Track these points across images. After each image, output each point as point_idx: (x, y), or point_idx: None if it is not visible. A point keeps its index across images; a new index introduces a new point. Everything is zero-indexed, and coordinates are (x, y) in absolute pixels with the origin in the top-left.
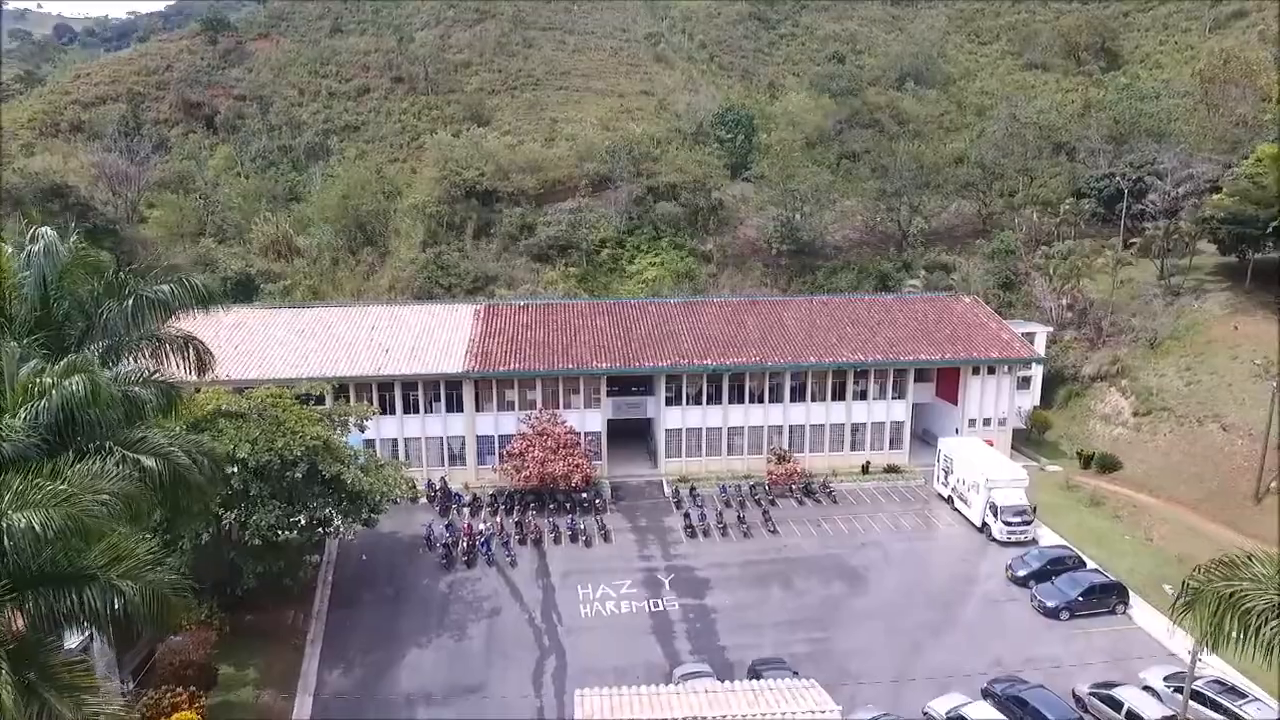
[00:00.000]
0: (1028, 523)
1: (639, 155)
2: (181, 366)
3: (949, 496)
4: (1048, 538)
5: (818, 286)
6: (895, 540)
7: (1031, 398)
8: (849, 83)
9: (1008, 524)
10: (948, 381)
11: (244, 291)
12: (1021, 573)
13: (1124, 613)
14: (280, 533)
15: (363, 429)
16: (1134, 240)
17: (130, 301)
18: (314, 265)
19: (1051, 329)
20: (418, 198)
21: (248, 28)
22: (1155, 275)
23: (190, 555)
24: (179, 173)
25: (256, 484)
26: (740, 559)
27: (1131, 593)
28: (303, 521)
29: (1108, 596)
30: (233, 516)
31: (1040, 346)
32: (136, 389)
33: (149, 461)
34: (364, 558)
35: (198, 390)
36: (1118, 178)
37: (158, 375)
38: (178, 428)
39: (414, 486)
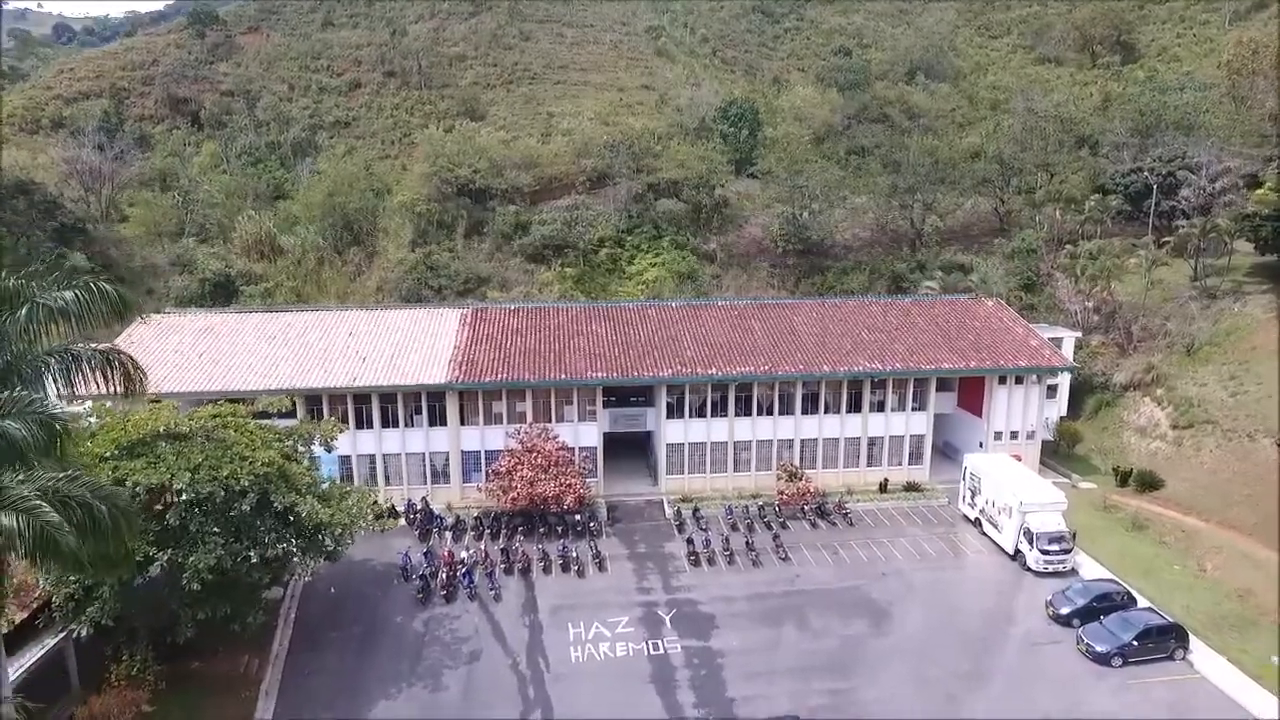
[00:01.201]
0: (1067, 551)
1: (639, 151)
2: (108, 385)
3: (976, 519)
4: (1088, 568)
5: (827, 288)
6: (919, 569)
7: (1058, 408)
8: (857, 76)
9: (1045, 552)
10: (970, 391)
11: (223, 294)
12: (1064, 610)
13: (1184, 659)
14: (226, 573)
15: (330, 448)
16: (1167, 239)
17: (25, 311)
18: (298, 266)
19: (1079, 334)
20: (407, 195)
21: (237, 21)
22: (1188, 276)
23: (113, 604)
24: (161, 170)
25: (197, 519)
26: (749, 591)
27: (1191, 635)
28: (253, 559)
29: (1165, 640)
30: (165, 558)
31: (1068, 353)
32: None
33: (5, 520)
34: (332, 590)
35: (130, 410)
36: (1145, 173)
37: (46, 403)
38: (72, 466)
39: (388, 513)
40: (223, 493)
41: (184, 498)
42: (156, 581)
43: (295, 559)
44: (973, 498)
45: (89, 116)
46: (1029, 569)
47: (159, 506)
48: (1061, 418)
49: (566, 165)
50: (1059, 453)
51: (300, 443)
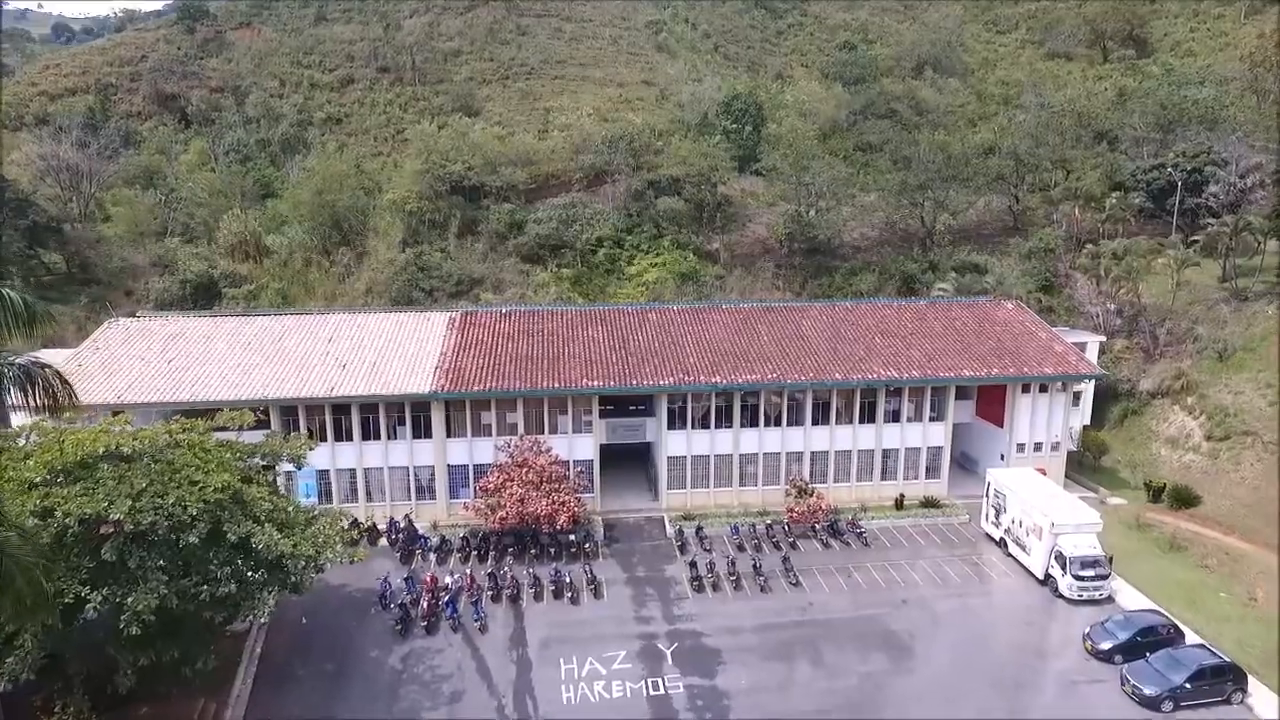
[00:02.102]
0: (1103, 577)
1: (639, 147)
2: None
3: (1001, 539)
4: (1126, 595)
5: (835, 289)
6: (941, 596)
7: (1081, 416)
8: (863, 70)
9: (1079, 578)
10: (990, 399)
11: (206, 296)
12: (1105, 645)
13: (1242, 702)
14: (173, 612)
15: (299, 465)
16: (1195, 238)
17: None
18: (284, 267)
19: (1103, 338)
20: (397, 193)
21: (228, 17)
22: (1216, 277)
23: (36, 654)
24: (147, 167)
25: (137, 553)
26: (757, 621)
27: (1249, 675)
28: (205, 598)
29: (1221, 682)
30: (99, 599)
31: (1092, 358)
32: None
33: None
34: (303, 620)
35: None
36: (1169, 169)
37: None
38: None
39: (367, 533)
40: (167, 523)
41: (127, 528)
42: (94, 623)
43: (254, 595)
44: (996, 516)
45: (73, 113)
46: (1061, 596)
47: (95, 540)
48: (1085, 427)
49: (564, 162)
50: (1083, 464)
51: (269, 460)
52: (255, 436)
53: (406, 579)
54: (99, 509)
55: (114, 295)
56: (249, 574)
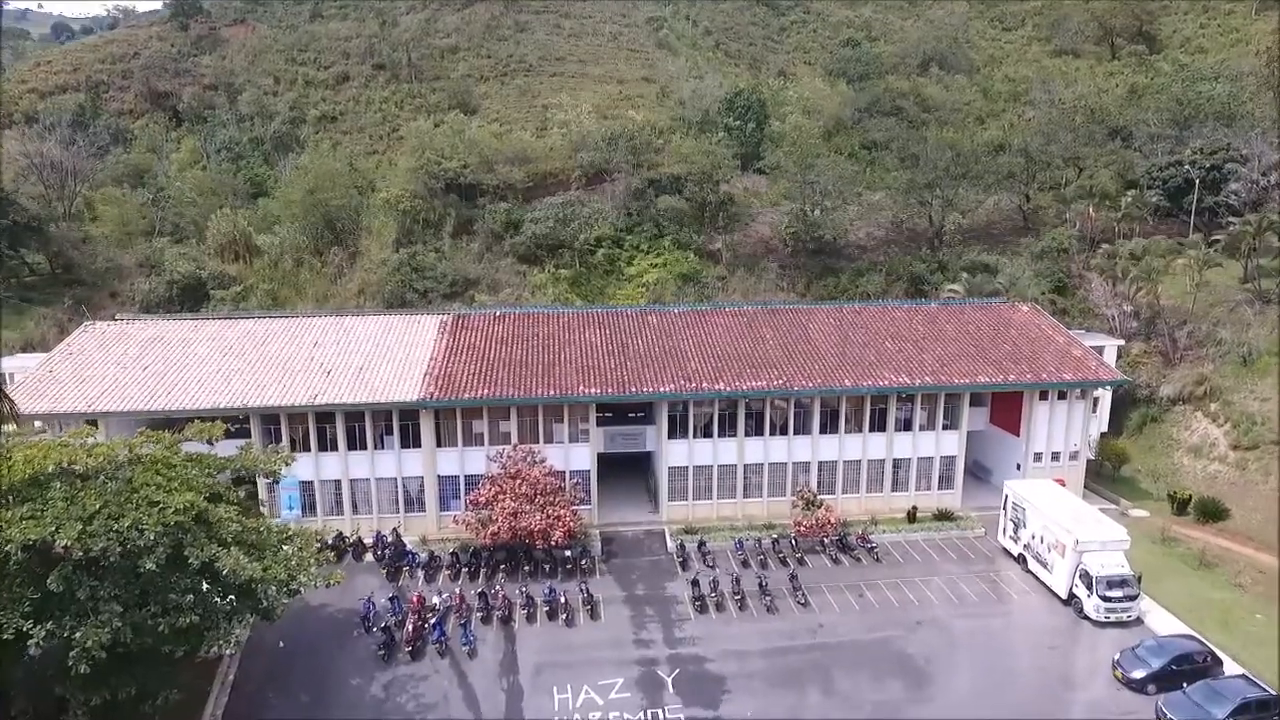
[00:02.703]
0: (1132, 598)
1: (639, 144)
2: None
3: (1020, 555)
4: (1155, 616)
5: (841, 290)
6: (958, 616)
7: (1098, 423)
8: (867, 67)
9: (1106, 599)
10: (1005, 406)
11: (193, 297)
12: (1137, 674)
13: None
14: (129, 645)
15: (276, 479)
16: (1216, 237)
17: None
18: (274, 268)
19: (1121, 341)
20: (391, 191)
21: (222, 14)
22: (1237, 278)
23: None
24: (137, 166)
25: (87, 583)
26: (764, 644)
27: None
28: (164, 629)
29: (1266, 717)
30: (43, 634)
31: (1110, 363)
32: None
33: None
34: (281, 645)
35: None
36: (1186, 166)
37: None
38: None
39: (353, 548)
40: (120, 548)
41: (75, 555)
42: (41, 659)
43: (220, 624)
44: (1015, 530)
45: (62, 110)
46: (1086, 617)
47: (42, 568)
48: (1102, 434)
49: (562, 160)
50: (1102, 473)
51: (243, 474)
52: (234, 447)
53: (392, 599)
54: (45, 534)
55: (99, 297)
56: (215, 601)
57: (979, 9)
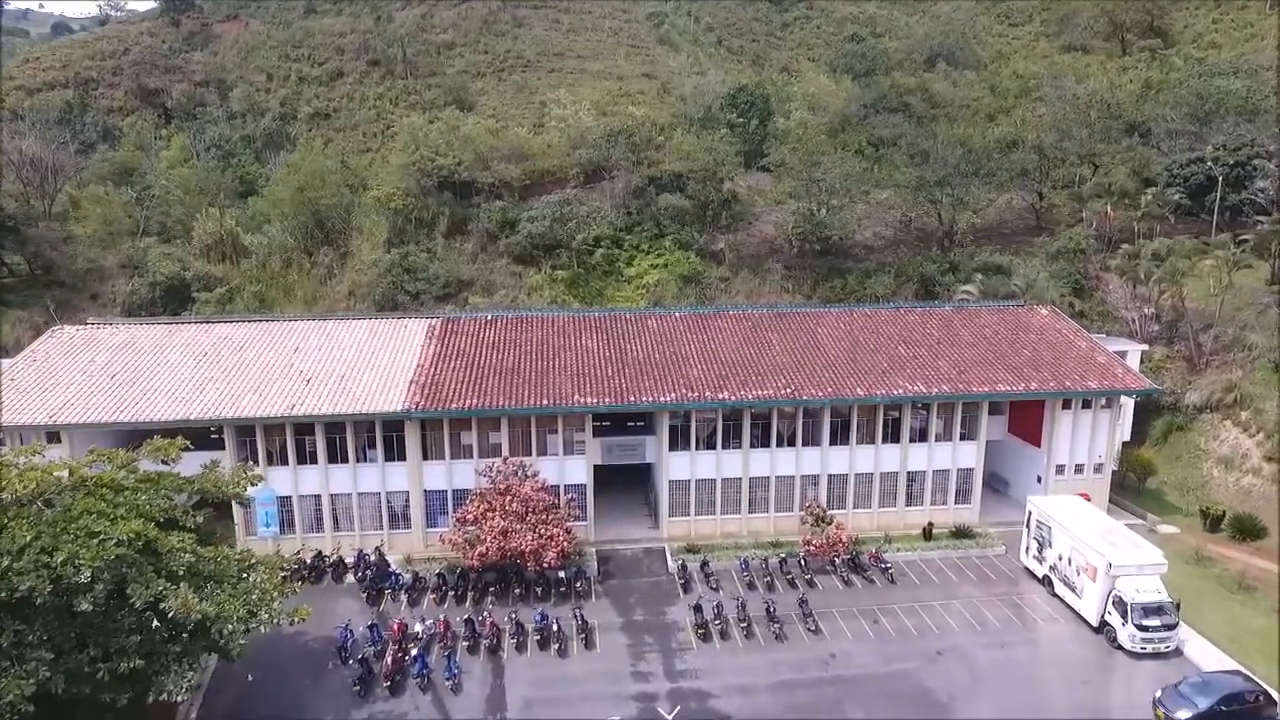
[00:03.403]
0: (1171, 627)
1: (639, 141)
2: None
3: (1045, 577)
4: (1195, 646)
5: (848, 292)
6: (981, 645)
7: (1121, 432)
8: (873, 62)
9: (1142, 628)
10: (1025, 416)
11: (177, 299)
12: (1182, 715)
13: None
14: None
15: (244, 502)
16: (1244, 237)
17: None
18: (262, 269)
19: (1145, 346)
20: (383, 190)
21: (215, 9)
22: (1264, 279)
23: None
24: (124, 164)
25: (12, 626)
26: (772, 678)
27: None
28: (103, 676)
29: None
30: None
31: (1134, 368)
32: None
33: None
34: (250, 679)
35: None
36: (1208, 163)
37: None
38: None
39: (333, 568)
40: (50, 586)
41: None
42: None
43: (169, 668)
44: (1039, 550)
45: (50, 108)
46: (1120, 647)
47: None
48: (1124, 444)
49: (560, 157)
50: (1125, 486)
51: (207, 496)
52: (207, 461)
53: (371, 626)
54: None
55: (78, 299)
56: (165, 642)
57: (985, 4)
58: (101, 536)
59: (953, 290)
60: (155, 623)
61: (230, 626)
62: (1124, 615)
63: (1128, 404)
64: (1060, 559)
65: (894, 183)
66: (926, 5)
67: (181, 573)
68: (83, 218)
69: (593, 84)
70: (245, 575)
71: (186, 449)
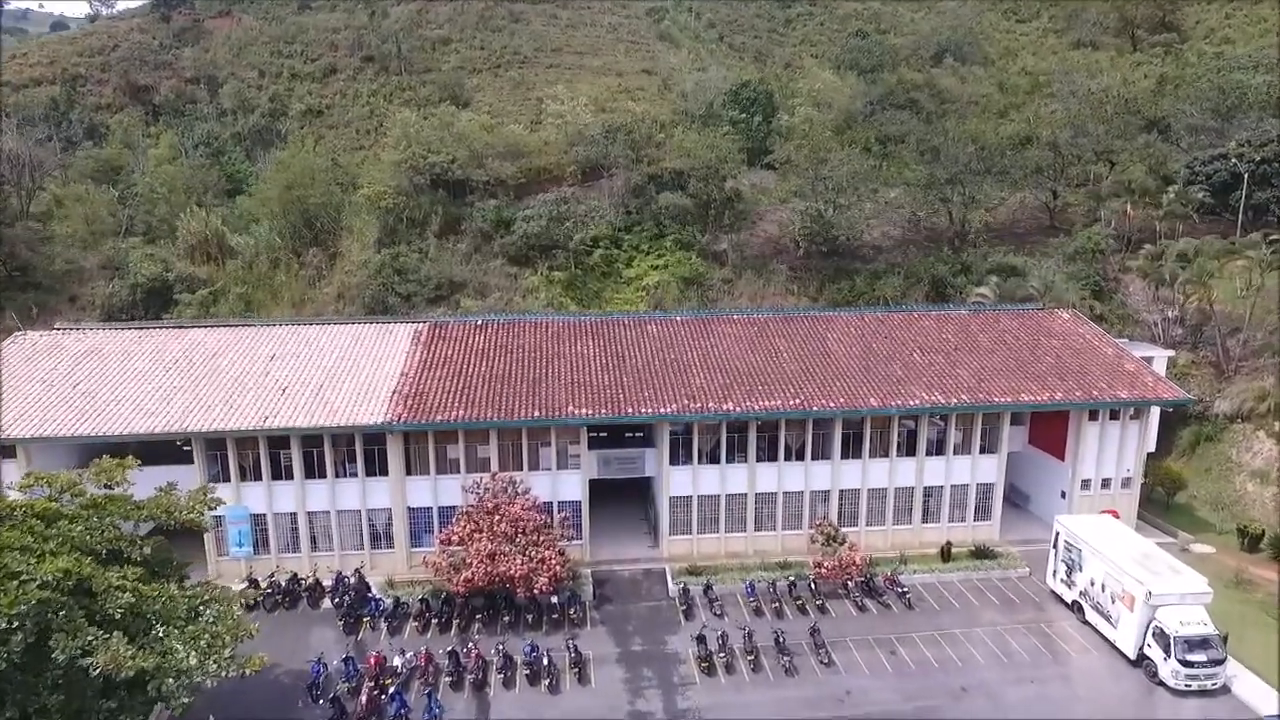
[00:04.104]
0: (1218, 662)
1: (639, 138)
2: None
3: (1074, 603)
4: (1245, 683)
5: (857, 295)
6: (1010, 681)
7: (1146, 443)
8: (879, 58)
9: (1187, 664)
10: (1046, 426)
11: (159, 301)
12: None
13: None
14: None
15: (200, 527)
16: (1276, 237)
17: None
18: (249, 270)
19: (1171, 352)
20: (373, 188)
21: (206, 5)
22: None
23: None
24: (109, 162)
25: None
26: (782, 716)
27: None
28: None
29: None
30: None
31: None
32: None
33: None
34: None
35: None
36: (1232, 159)
37: None
38: None
39: (308, 591)
40: None
41: None
42: None
43: None
44: (1069, 574)
45: (36, 104)
46: (1161, 683)
47: None
48: (1148, 455)
49: (557, 155)
50: (1152, 500)
51: (164, 521)
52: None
53: (346, 659)
54: None
55: (56, 301)
56: (96, 698)
57: (991, 0)
58: (23, 577)
59: (966, 292)
60: (81, 679)
61: (170, 681)
62: (1166, 649)
63: (1153, 413)
64: (1092, 584)
65: (903, 181)
66: (931, 1)
67: (119, 616)
68: (65, 217)
69: (591, 80)
70: (199, 613)
71: (140, 468)
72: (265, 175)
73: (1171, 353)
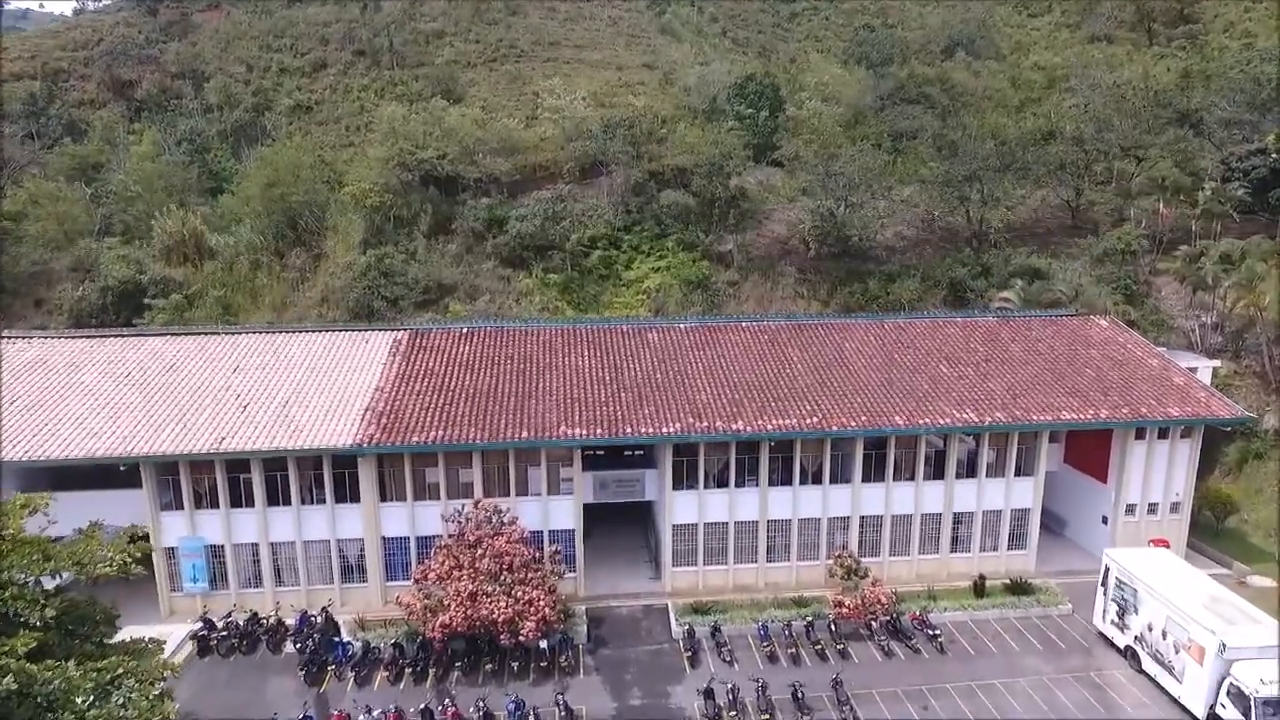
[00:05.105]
0: None
1: (640, 133)
2: None
3: (1128, 648)
4: None
5: (870, 298)
6: None
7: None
8: (889, 51)
9: None
10: (1084, 445)
11: (131, 305)
12: None
13: None
14: None
15: (126, 574)
16: None
17: None
18: (228, 271)
19: (1217, 362)
20: (359, 186)
21: None
22: None
23: None
24: (86, 159)
25: None
26: None
27: None
28: None
29: None
30: None
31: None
32: None
33: None
34: None
35: None
36: (1273, 154)
37: None
38: None
39: (265, 634)
40: None
41: None
42: None
43: None
44: (1120, 615)
45: (13, 100)
46: None
47: None
48: None
49: (554, 151)
50: (1199, 524)
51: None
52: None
53: (305, 718)
54: None
55: (20, 305)
56: None
57: None
58: None
59: (987, 297)
60: None
61: None
62: (1246, 712)
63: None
64: (1150, 629)
65: (918, 178)
66: None
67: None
68: (40, 217)
69: (590, 74)
70: (108, 694)
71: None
72: (247, 172)
73: (1216, 363)
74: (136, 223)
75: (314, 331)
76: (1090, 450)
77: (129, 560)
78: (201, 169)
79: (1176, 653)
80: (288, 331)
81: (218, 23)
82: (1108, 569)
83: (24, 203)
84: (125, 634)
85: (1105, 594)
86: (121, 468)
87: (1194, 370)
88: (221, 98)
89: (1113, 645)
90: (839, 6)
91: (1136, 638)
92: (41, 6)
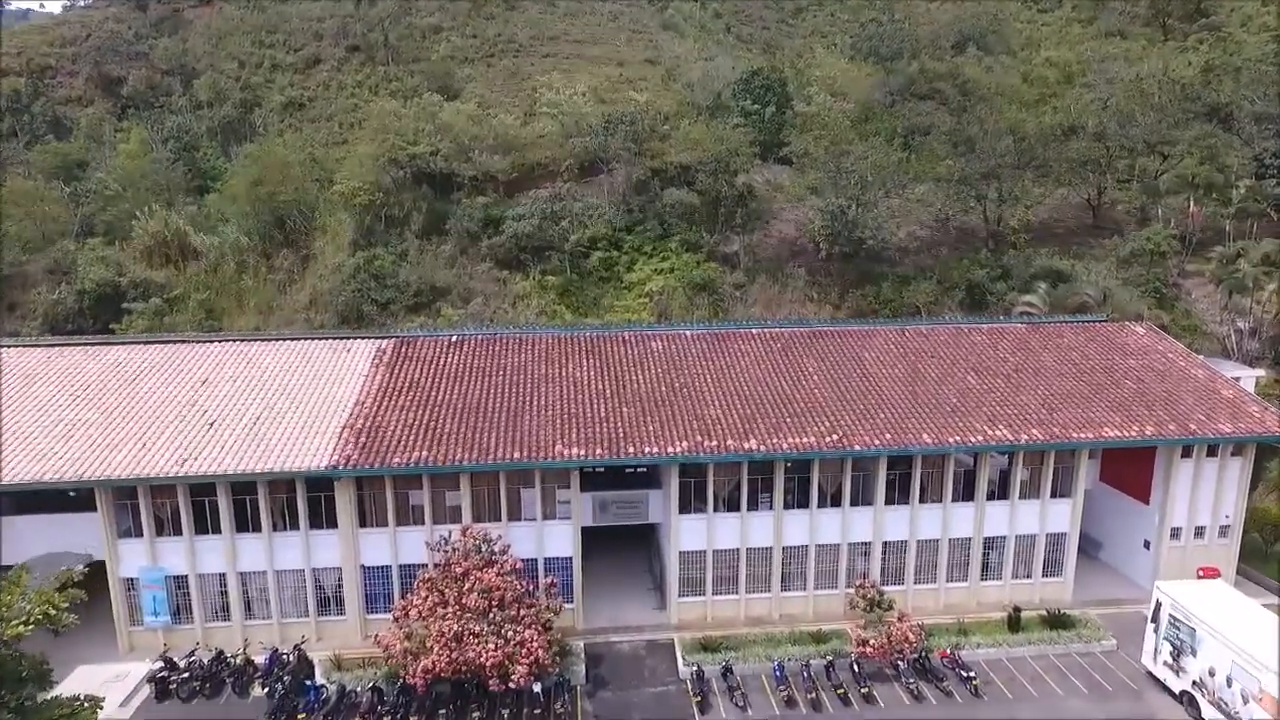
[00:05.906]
0: None
1: (642, 130)
2: None
3: (1185, 693)
4: None
5: (884, 302)
6: None
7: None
8: (899, 45)
9: None
10: (1124, 462)
11: (109, 309)
12: None
13: None
14: None
15: (55, 630)
16: None
17: None
18: (213, 274)
19: (1261, 372)
20: (348, 184)
21: None
22: None
23: None
24: (69, 157)
25: None
26: None
27: None
28: None
29: None
30: None
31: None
32: None
33: None
34: None
35: None
36: None
37: None
38: None
39: (231, 675)
40: None
41: None
42: None
43: None
44: (1175, 657)
45: None
46: None
47: None
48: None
49: (552, 148)
50: (1244, 546)
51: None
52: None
53: None
54: None
55: None
56: None
57: None
58: None
59: (1008, 300)
60: None
61: None
62: None
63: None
64: (1212, 675)
65: (933, 175)
66: None
67: None
68: (17, 217)
69: (590, 70)
70: None
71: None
72: (234, 170)
73: (1261, 373)
74: (119, 223)
75: (291, 339)
76: (1129, 468)
77: (54, 611)
78: (189, 167)
79: (1245, 703)
80: (262, 340)
81: (209, 18)
82: (1159, 605)
83: (3, 202)
84: (77, 674)
85: (1156, 631)
86: (71, 493)
87: (1237, 380)
88: (211, 94)
89: (1166, 689)
90: (844, 3)
91: (1195, 683)
92: (42, 6)
